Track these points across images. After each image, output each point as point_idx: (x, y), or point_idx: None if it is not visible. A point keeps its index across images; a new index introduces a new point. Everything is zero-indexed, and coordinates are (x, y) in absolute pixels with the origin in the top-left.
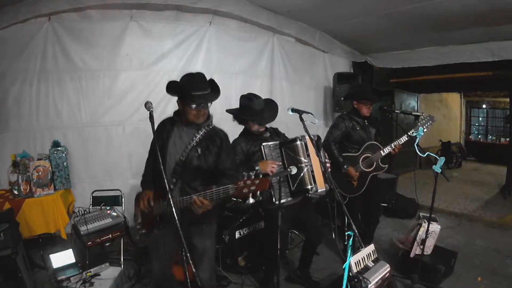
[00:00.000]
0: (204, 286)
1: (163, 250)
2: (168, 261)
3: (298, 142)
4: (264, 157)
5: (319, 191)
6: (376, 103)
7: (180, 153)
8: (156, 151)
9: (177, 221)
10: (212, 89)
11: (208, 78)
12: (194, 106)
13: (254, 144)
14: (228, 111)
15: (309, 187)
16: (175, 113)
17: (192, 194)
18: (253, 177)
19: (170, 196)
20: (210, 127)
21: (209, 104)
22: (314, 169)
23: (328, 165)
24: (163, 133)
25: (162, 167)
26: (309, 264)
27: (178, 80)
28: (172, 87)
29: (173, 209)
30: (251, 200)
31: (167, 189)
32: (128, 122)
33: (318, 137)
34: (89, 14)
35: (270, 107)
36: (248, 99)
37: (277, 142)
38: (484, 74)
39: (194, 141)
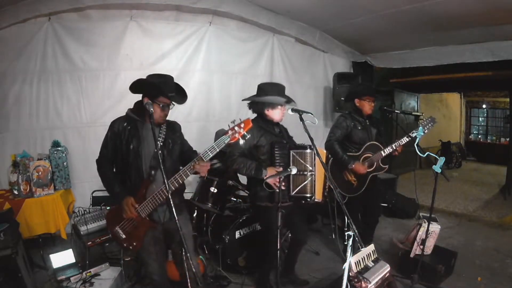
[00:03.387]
0: (196, 272)
1: (155, 249)
2: (163, 262)
3: (308, 151)
4: (274, 155)
5: (315, 200)
6: (377, 101)
7: (154, 147)
8: (157, 146)
9: (177, 221)
10: (178, 93)
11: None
12: (163, 106)
13: (265, 136)
14: (246, 99)
15: (309, 195)
16: (132, 111)
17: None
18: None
19: (169, 196)
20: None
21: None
22: (317, 179)
23: None
24: (130, 134)
25: (162, 164)
26: (294, 265)
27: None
28: (140, 85)
29: (173, 210)
30: (240, 142)
31: (167, 187)
32: None
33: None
34: (89, 14)
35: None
36: (270, 84)
37: (286, 143)
38: (484, 74)
39: (163, 135)
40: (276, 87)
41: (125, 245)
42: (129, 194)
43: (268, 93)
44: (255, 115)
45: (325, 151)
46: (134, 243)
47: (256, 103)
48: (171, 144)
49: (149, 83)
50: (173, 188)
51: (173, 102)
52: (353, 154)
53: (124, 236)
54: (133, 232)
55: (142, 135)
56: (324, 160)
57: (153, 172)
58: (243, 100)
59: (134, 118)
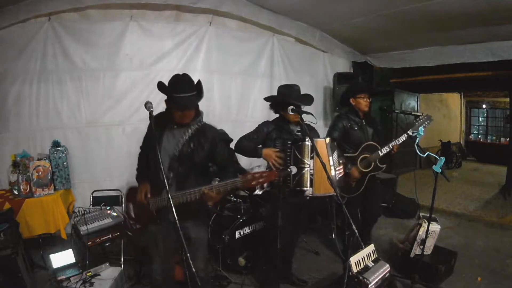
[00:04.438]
0: (199, 275)
1: (163, 247)
2: (169, 259)
3: (306, 143)
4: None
5: (315, 195)
6: (373, 96)
7: (173, 148)
8: (156, 148)
9: (176, 221)
10: (198, 92)
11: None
12: (177, 107)
13: (275, 131)
14: (266, 98)
15: (304, 188)
16: (164, 110)
17: (187, 189)
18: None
19: (170, 196)
20: (201, 123)
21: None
22: (316, 173)
23: (339, 169)
24: (155, 129)
25: (160, 164)
26: (290, 264)
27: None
28: (161, 87)
29: (173, 209)
30: (258, 191)
31: (166, 188)
32: (128, 122)
33: (333, 140)
34: (89, 14)
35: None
36: (286, 86)
37: (290, 139)
38: (484, 74)
39: (186, 136)
40: (288, 89)
41: (131, 222)
42: (149, 181)
43: (284, 95)
44: (259, 115)
45: (327, 141)
46: (138, 226)
47: (273, 105)
48: (193, 147)
49: (161, 85)
50: (174, 200)
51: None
52: (351, 155)
53: (133, 215)
54: (141, 215)
55: (164, 135)
56: (325, 152)
57: (171, 174)
58: (264, 99)
59: (161, 117)
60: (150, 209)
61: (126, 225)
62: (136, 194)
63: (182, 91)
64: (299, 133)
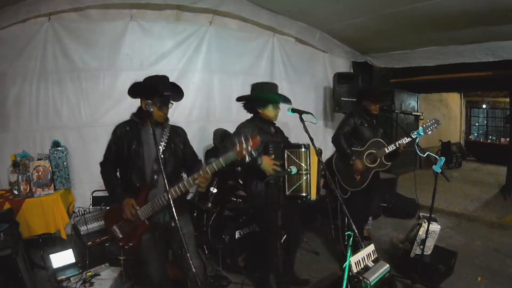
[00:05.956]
0: (197, 272)
1: (157, 253)
2: (164, 263)
3: (303, 149)
4: (268, 153)
5: (311, 200)
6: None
7: (156, 150)
8: (142, 152)
9: (177, 222)
10: (174, 90)
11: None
12: (160, 105)
13: (259, 135)
14: (239, 98)
15: (304, 194)
16: (135, 115)
17: (172, 186)
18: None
19: (171, 202)
20: (169, 125)
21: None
22: (312, 179)
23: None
24: (131, 137)
25: (161, 165)
26: (293, 265)
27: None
28: (136, 89)
29: (173, 210)
30: (246, 159)
31: (167, 188)
32: None
33: (321, 151)
34: (89, 14)
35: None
36: (263, 83)
37: (282, 142)
38: (484, 74)
39: (165, 138)
40: (267, 85)
41: (121, 244)
42: (130, 196)
43: (259, 92)
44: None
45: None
46: (131, 243)
47: (249, 103)
48: (173, 147)
49: (143, 85)
50: (175, 196)
51: (171, 101)
52: (358, 150)
53: (121, 236)
54: (131, 232)
55: (144, 138)
56: (316, 158)
57: (155, 176)
58: (236, 100)
59: (135, 121)
60: (142, 220)
61: (120, 248)
62: (117, 214)
63: (166, 90)
64: (274, 131)
